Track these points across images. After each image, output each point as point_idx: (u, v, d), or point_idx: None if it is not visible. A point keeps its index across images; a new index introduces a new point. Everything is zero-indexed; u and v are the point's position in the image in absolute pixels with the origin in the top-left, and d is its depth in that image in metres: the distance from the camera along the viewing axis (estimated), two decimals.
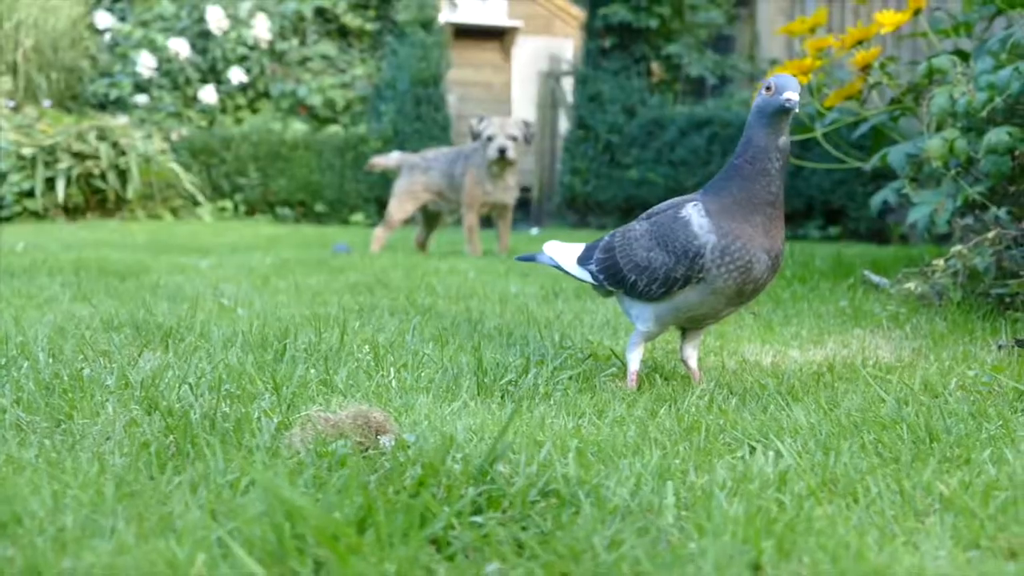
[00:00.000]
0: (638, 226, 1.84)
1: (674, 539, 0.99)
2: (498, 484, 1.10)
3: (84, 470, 1.15)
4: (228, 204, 8.89)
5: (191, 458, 1.22)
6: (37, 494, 1.05)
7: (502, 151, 5.18)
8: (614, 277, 1.84)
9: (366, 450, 1.27)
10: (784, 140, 1.69)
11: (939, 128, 2.96)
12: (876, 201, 3.28)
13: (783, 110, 1.65)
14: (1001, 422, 1.43)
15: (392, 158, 5.69)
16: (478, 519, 1.02)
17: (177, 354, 1.94)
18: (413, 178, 5.47)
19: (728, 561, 0.93)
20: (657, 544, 0.98)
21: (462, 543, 0.98)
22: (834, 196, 6.97)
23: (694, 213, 1.72)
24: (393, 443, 1.27)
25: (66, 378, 1.63)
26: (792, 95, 1.64)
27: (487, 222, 5.88)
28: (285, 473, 1.13)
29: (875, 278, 3.18)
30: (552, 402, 1.62)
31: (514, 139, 5.22)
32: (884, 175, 5.49)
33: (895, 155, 3.12)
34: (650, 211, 1.86)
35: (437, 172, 5.45)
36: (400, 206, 5.44)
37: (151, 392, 1.53)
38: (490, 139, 5.24)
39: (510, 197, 5.41)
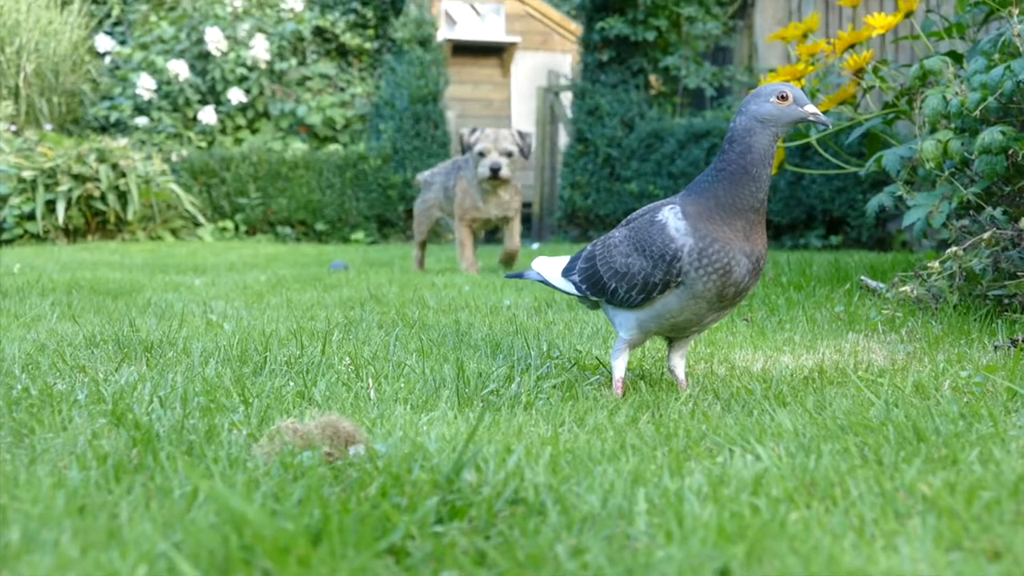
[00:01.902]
0: (617, 233, 1.81)
1: (641, 546, 0.95)
2: (464, 493, 1.06)
3: (38, 484, 1.12)
4: (229, 224, 8.88)
5: (151, 471, 1.19)
6: None
7: (495, 170, 4.71)
8: (596, 286, 1.81)
9: (335, 461, 1.23)
10: (775, 148, 1.67)
11: (933, 130, 2.92)
12: (872, 206, 3.24)
13: (800, 121, 1.65)
14: (992, 422, 1.39)
15: (423, 176, 5.41)
16: (440, 528, 0.99)
17: (155, 368, 1.90)
18: (424, 196, 5.20)
19: (695, 567, 0.89)
20: (623, 551, 0.94)
21: (421, 553, 0.94)
22: (834, 205, 6.92)
23: (671, 216, 1.68)
24: (362, 453, 1.24)
25: (35, 393, 1.60)
26: (816, 110, 1.63)
27: (491, 235, 5.66)
28: (243, 484, 1.09)
29: (872, 283, 3.14)
30: (533, 411, 1.59)
31: (509, 155, 4.76)
32: (884, 182, 5.45)
33: (889, 158, 3.08)
34: (629, 216, 1.83)
35: (438, 186, 5.11)
36: (417, 226, 5.17)
37: (120, 405, 1.50)
38: (482, 155, 4.76)
39: (510, 210, 4.95)
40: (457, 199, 4.94)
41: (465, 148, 4.89)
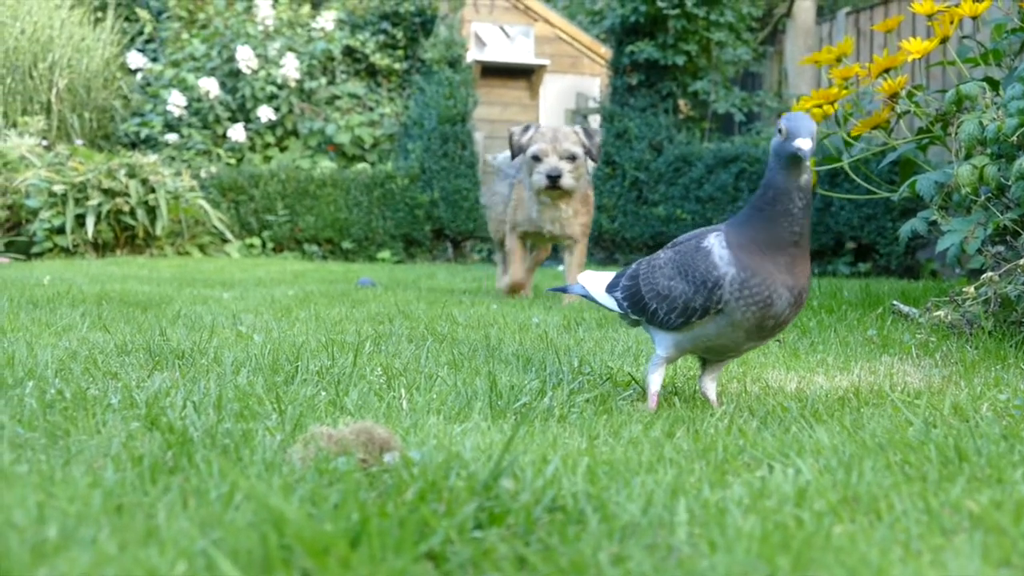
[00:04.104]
0: (663, 255, 1.80)
1: (685, 555, 0.94)
2: (502, 499, 1.05)
3: (74, 483, 1.11)
4: (256, 241, 8.91)
5: (186, 473, 1.18)
6: (23, 506, 1.01)
7: (553, 178, 3.80)
8: (637, 305, 1.80)
9: (369, 467, 1.23)
10: (805, 179, 1.62)
11: (968, 156, 2.90)
12: (905, 231, 3.22)
13: (796, 157, 1.59)
14: None
15: (499, 158, 4.52)
16: (479, 534, 0.98)
17: (187, 376, 1.90)
18: (494, 187, 4.34)
19: None
20: (666, 560, 0.93)
21: (461, 558, 0.93)
22: (863, 232, 6.88)
23: (716, 243, 1.67)
24: (397, 459, 1.23)
25: (69, 397, 1.60)
26: (803, 143, 1.56)
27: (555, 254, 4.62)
28: (279, 487, 1.08)
29: (904, 308, 3.11)
30: (567, 423, 1.58)
31: (572, 158, 3.85)
32: (914, 210, 5.42)
33: (924, 183, 3.06)
34: (676, 240, 1.82)
35: (508, 183, 4.21)
36: (493, 231, 4.33)
37: (154, 410, 1.49)
38: (537, 159, 3.84)
39: (571, 228, 4.03)
40: (511, 204, 4.13)
41: (516, 150, 3.97)
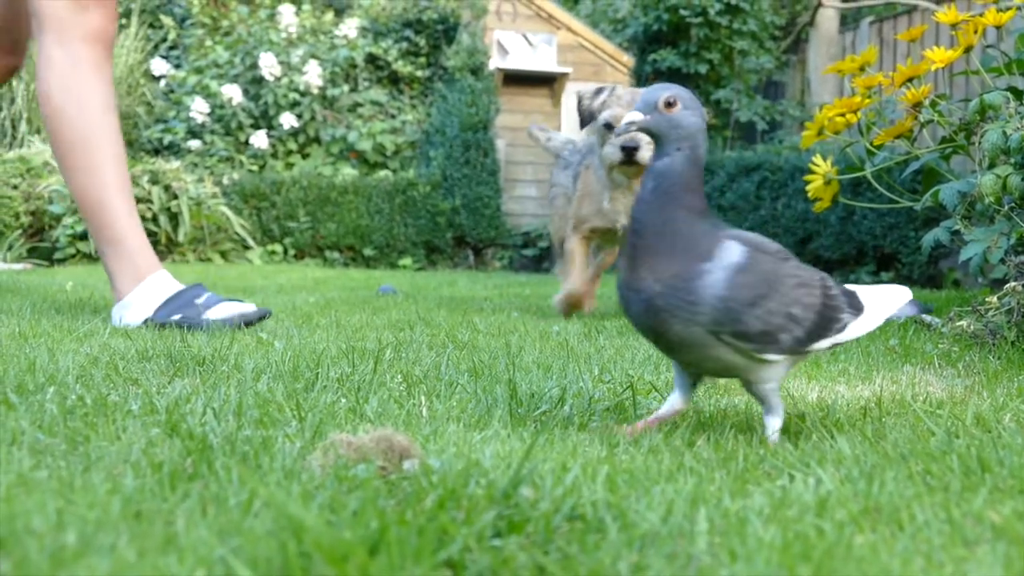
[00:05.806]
0: None
1: (705, 565, 0.93)
2: (522, 508, 1.05)
3: (93, 490, 1.12)
4: (278, 248, 8.94)
5: (206, 479, 1.18)
6: (42, 512, 1.02)
7: (629, 151, 3.12)
8: None
9: (389, 474, 1.23)
10: (662, 163, 1.41)
11: (991, 165, 2.89)
12: (927, 240, 3.20)
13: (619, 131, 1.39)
14: None
15: (555, 140, 3.88)
16: (498, 542, 0.97)
17: (208, 382, 1.91)
18: (554, 179, 3.73)
19: None
20: (686, 569, 0.92)
21: (479, 567, 0.93)
22: (886, 241, 6.85)
23: None
24: (416, 467, 1.23)
25: (89, 403, 1.60)
26: (628, 116, 1.37)
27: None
28: (298, 494, 1.08)
29: (927, 317, 3.10)
30: (587, 432, 1.57)
31: None
32: (936, 219, 5.39)
33: (946, 192, 3.05)
34: None
35: (571, 172, 3.58)
36: (555, 230, 3.70)
37: (174, 416, 1.50)
38: (609, 128, 3.19)
39: None
40: (576, 196, 3.48)
41: (585, 118, 3.34)
